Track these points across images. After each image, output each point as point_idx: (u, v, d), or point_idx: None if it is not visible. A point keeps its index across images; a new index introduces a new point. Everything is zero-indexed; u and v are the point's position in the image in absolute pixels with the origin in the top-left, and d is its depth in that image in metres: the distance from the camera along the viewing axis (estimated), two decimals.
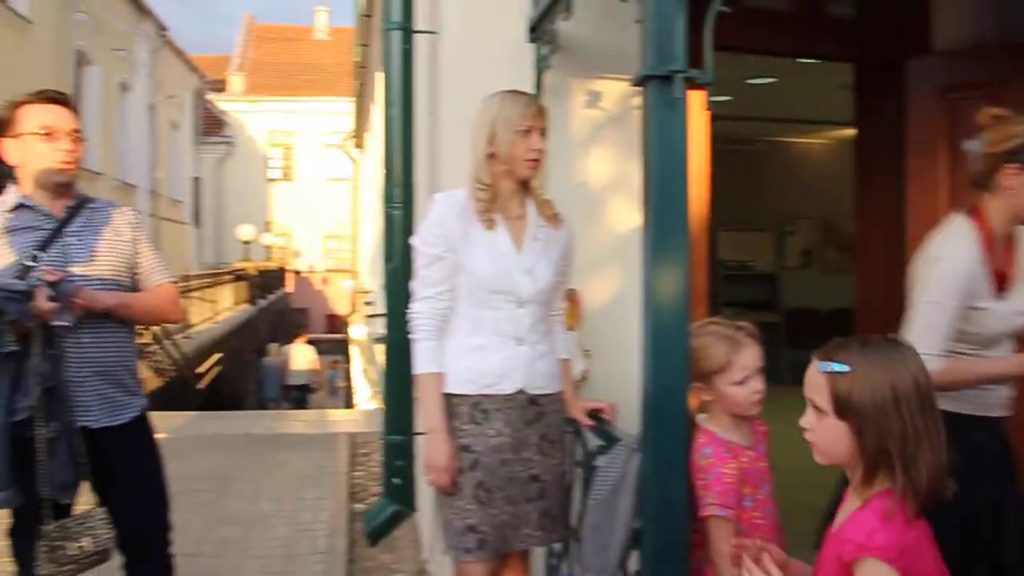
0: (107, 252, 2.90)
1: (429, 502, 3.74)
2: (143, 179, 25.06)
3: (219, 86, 36.93)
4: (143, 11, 25.06)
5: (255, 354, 22.66)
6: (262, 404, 21.24)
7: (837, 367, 1.69)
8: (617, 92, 3.46)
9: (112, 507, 2.89)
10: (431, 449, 2.58)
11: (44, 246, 2.78)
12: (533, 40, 3.32)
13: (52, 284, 2.59)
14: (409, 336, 2.66)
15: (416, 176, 3.46)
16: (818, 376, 1.72)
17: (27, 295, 2.56)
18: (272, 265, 30.48)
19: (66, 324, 2.64)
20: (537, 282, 2.61)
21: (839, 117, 7.10)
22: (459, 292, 2.60)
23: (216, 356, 16.03)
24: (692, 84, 1.96)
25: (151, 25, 25.95)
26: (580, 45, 3.31)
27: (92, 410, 2.80)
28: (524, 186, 2.65)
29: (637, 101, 3.53)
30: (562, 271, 2.73)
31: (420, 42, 3.57)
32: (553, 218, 2.69)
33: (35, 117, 2.81)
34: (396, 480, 3.56)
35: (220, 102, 37.03)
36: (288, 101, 37.11)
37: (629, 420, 2.64)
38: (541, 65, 3.28)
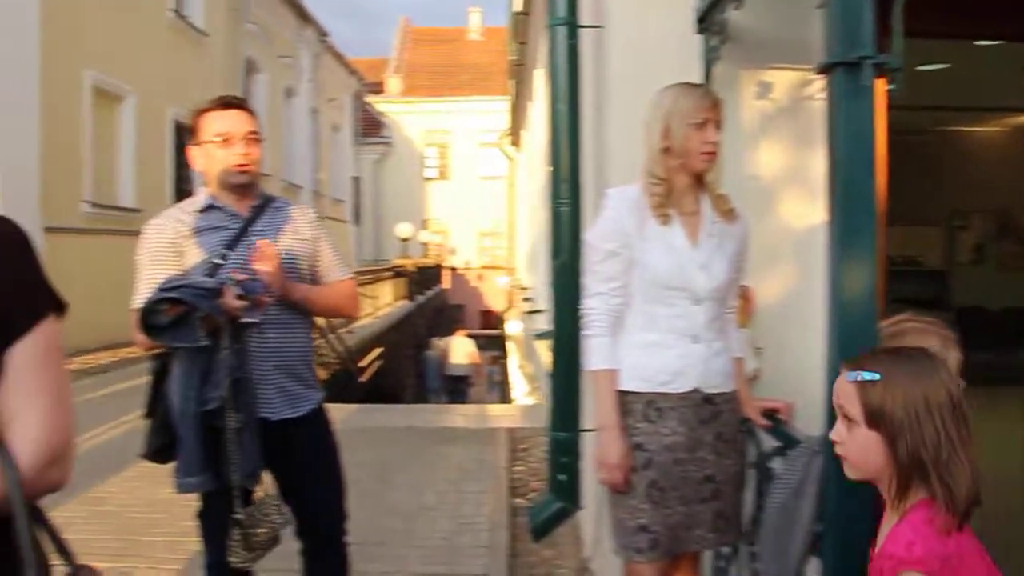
0: (289, 249, 2.98)
1: (594, 499, 3.73)
2: (307, 180, 26.03)
3: (377, 88, 37.95)
4: (306, 19, 25.98)
5: (413, 349, 23.21)
6: (421, 397, 21.90)
7: (868, 376, 1.64)
8: (788, 82, 3.35)
9: (291, 497, 2.99)
10: (604, 446, 2.55)
11: (232, 245, 2.88)
12: (701, 31, 3.25)
13: (240, 282, 2.69)
14: (581, 332, 2.64)
15: (583, 172, 3.44)
16: (848, 386, 1.67)
17: (217, 292, 2.66)
18: (429, 262, 31.03)
19: (253, 321, 2.74)
20: (713, 278, 2.55)
21: (1018, 103, 6.69)
22: (633, 288, 2.56)
23: (377, 351, 16.44)
24: (881, 71, 1.87)
25: (313, 32, 26.87)
26: (751, 34, 3.23)
27: (272, 402, 2.89)
28: (699, 180, 2.59)
29: (810, 91, 3.45)
30: (738, 267, 2.66)
31: (585, 37, 3.55)
32: (729, 213, 2.62)
33: (213, 124, 2.92)
34: (561, 477, 3.55)
35: (378, 104, 38.06)
36: (444, 101, 37.81)
37: (805, 420, 2.56)
38: (710, 56, 3.20)
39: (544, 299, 9.29)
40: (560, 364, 3.43)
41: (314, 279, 3.07)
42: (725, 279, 2.58)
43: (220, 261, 2.82)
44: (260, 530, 2.78)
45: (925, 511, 1.60)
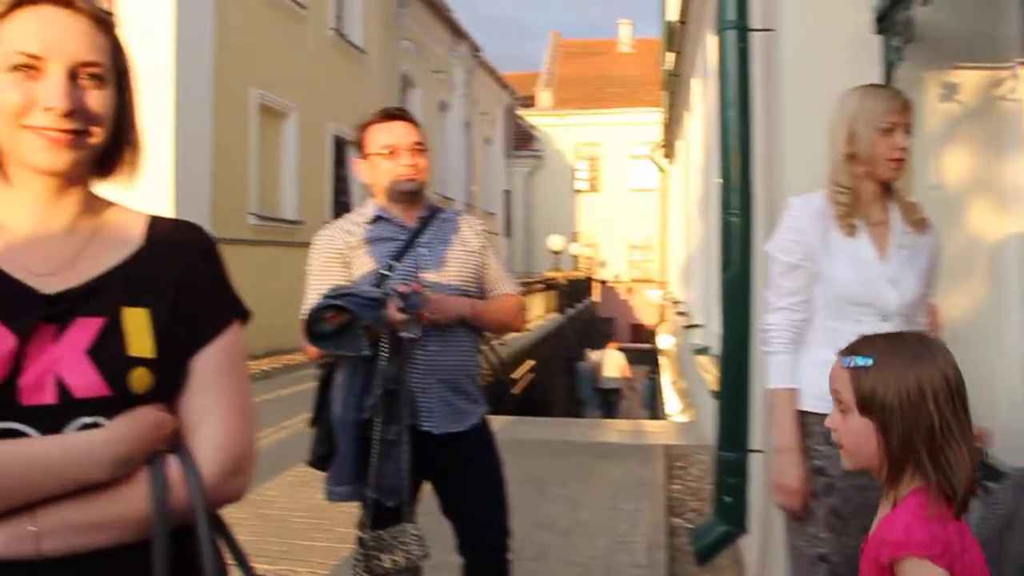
0: (455, 261, 2.97)
1: (759, 524, 3.57)
2: (460, 192, 26.44)
3: (528, 102, 38.31)
4: (460, 35, 26.44)
5: (564, 361, 23.25)
6: (571, 410, 21.96)
7: (861, 361, 1.61)
8: (976, 82, 3.13)
9: (453, 512, 2.97)
10: (782, 470, 2.41)
11: (398, 256, 2.89)
12: (881, 31, 3.07)
13: (402, 296, 2.68)
14: (751, 348, 2.52)
15: (754, 182, 3.30)
16: (842, 371, 1.64)
17: (381, 302, 2.66)
18: (579, 275, 31.03)
19: (412, 336, 2.72)
20: (904, 294, 2.37)
21: None
22: (816, 303, 2.41)
23: (529, 363, 16.48)
24: None
25: (466, 47, 27.32)
26: (936, 32, 3.02)
27: (435, 416, 2.86)
28: (886, 188, 2.42)
29: (1002, 91, 3.22)
30: (929, 282, 2.48)
31: (755, 40, 3.42)
32: (920, 223, 2.43)
33: (379, 137, 2.94)
34: (727, 499, 3.41)
35: (529, 117, 38.38)
36: (594, 114, 37.87)
37: (1003, 450, 2.38)
38: (892, 57, 3.02)
39: (701, 313, 9.09)
40: (728, 381, 3.29)
41: (480, 292, 3.04)
42: (916, 295, 2.40)
43: (387, 272, 2.82)
44: (389, 556, 2.73)
45: (920, 498, 1.56)
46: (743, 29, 3.30)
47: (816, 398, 2.39)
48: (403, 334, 2.69)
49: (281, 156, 15.36)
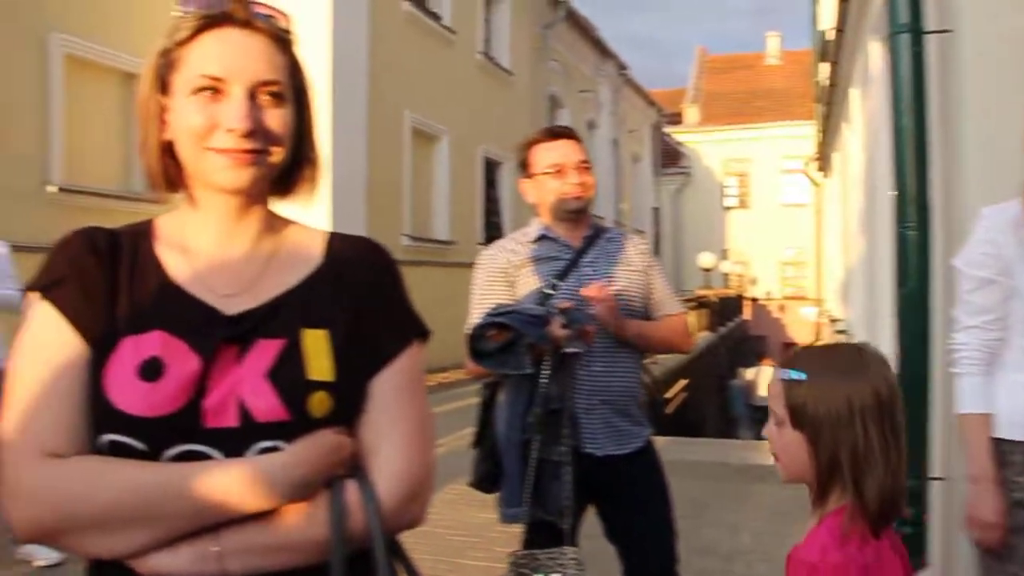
0: (620, 281, 2.92)
1: (940, 557, 3.36)
2: (609, 211, 26.35)
3: (675, 119, 37.96)
4: (606, 53, 26.42)
5: (716, 380, 22.88)
6: (723, 430, 21.59)
7: (795, 374, 1.59)
8: None
9: (619, 537, 2.89)
10: (977, 502, 2.24)
11: (562, 275, 2.86)
12: None
13: (565, 311, 2.64)
14: (931, 368, 2.36)
15: (931, 192, 3.12)
16: (777, 384, 1.63)
17: (544, 320, 2.63)
18: (730, 292, 30.46)
19: (577, 351, 2.68)
20: None
21: None
22: (1012, 321, 2.24)
23: (682, 382, 16.24)
24: None
25: (612, 66, 27.28)
26: None
27: (598, 437, 2.81)
28: None
29: None
30: None
31: (929, 44, 3.24)
32: None
33: (544, 156, 2.92)
34: (905, 529, 3.21)
35: (676, 134, 38.03)
36: (742, 129, 37.19)
37: None
38: None
39: (863, 330, 8.74)
40: (906, 403, 3.11)
41: (645, 313, 2.98)
42: None
43: (550, 291, 2.80)
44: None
45: (842, 517, 1.56)
46: (918, 32, 3.13)
47: (1015, 424, 2.22)
48: (568, 350, 2.65)
49: (433, 178, 15.63)
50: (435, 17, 15.50)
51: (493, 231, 17.15)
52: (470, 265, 3.07)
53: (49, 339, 1.22)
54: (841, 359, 1.63)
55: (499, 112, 17.74)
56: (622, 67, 28.12)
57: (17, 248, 5.42)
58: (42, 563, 4.70)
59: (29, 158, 9.17)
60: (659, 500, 2.93)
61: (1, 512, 1.17)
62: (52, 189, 9.33)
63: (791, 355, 1.67)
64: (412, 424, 1.29)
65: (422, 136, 15.04)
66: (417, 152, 14.79)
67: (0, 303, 5.02)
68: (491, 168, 17.62)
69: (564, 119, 23.01)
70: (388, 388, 1.29)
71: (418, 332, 1.36)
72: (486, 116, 17.15)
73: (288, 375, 1.22)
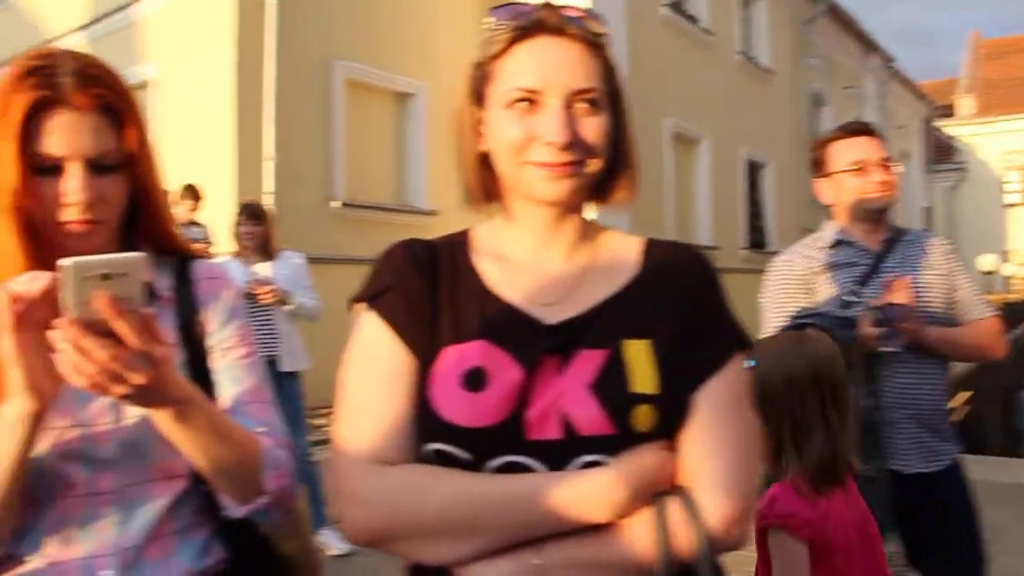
0: (926, 286, 2.77)
1: None
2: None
3: (947, 111, 35.69)
4: (871, 47, 25.22)
5: (1000, 391, 21.26)
6: (1008, 447, 20.03)
7: (751, 363, 1.68)
8: None
9: (922, 561, 2.75)
10: None
11: (863, 281, 2.74)
12: None
13: (879, 308, 2.51)
14: None
15: None
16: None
17: (851, 322, 2.53)
18: (1014, 297, 28.22)
19: (894, 350, 2.54)
20: None
21: None
22: None
23: (964, 394, 15.18)
24: None
25: (878, 59, 26.00)
26: None
27: (907, 454, 2.67)
28: None
29: None
30: None
31: None
32: None
33: (844, 153, 2.80)
34: None
35: (948, 127, 35.73)
36: None
37: None
38: None
39: None
40: None
41: (950, 318, 2.77)
42: None
43: (852, 299, 2.66)
44: None
45: (795, 480, 1.83)
46: None
47: None
48: (883, 348, 2.53)
49: (694, 183, 15.48)
50: (692, 20, 15.34)
51: (757, 236, 16.76)
52: (734, 271, 2.98)
53: (378, 350, 1.26)
54: (779, 345, 1.88)
55: (759, 113, 17.31)
56: (888, 60, 26.71)
57: (308, 260, 5.83)
58: (335, 552, 4.99)
59: (315, 176, 9.86)
60: (967, 526, 2.76)
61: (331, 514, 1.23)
62: (336, 204, 10.00)
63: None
64: (736, 442, 1.23)
65: (682, 141, 14.94)
66: (678, 157, 14.71)
67: (304, 312, 5.38)
68: (753, 171, 17.21)
69: (827, 117, 22.15)
70: (712, 401, 1.23)
71: (741, 342, 1.30)
72: (746, 118, 16.77)
73: (612, 387, 1.20)
